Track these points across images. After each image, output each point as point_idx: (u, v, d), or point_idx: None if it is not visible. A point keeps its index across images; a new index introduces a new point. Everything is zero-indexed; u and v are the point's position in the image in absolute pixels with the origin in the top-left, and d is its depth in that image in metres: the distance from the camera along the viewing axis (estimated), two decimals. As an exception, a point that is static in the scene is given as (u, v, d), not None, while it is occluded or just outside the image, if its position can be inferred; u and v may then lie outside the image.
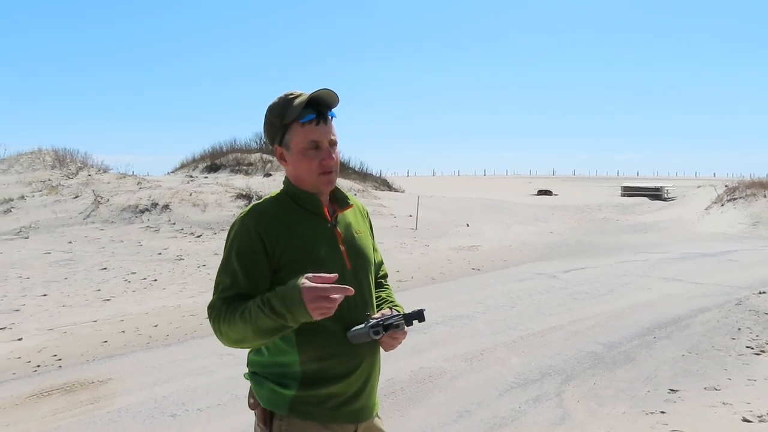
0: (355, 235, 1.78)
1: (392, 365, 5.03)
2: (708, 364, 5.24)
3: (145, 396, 4.40)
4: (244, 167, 22.01)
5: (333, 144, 1.69)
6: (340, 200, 1.79)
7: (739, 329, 6.34)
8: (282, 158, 1.73)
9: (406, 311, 1.72)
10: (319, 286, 1.41)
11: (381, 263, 2.00)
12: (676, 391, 4.56)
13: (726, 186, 24.80)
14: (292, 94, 1.67)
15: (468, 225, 16.19)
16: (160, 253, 10.02)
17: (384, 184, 25.81)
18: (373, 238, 1.93)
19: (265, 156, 23.06)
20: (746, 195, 21.63)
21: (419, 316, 1.67)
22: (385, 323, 1.62)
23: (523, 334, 6.08)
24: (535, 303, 7.55)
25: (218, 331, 1.58)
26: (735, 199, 21.74)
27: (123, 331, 6.12)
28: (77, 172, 16.22)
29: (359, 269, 1.73)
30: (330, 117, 1.70)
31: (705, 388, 4.61)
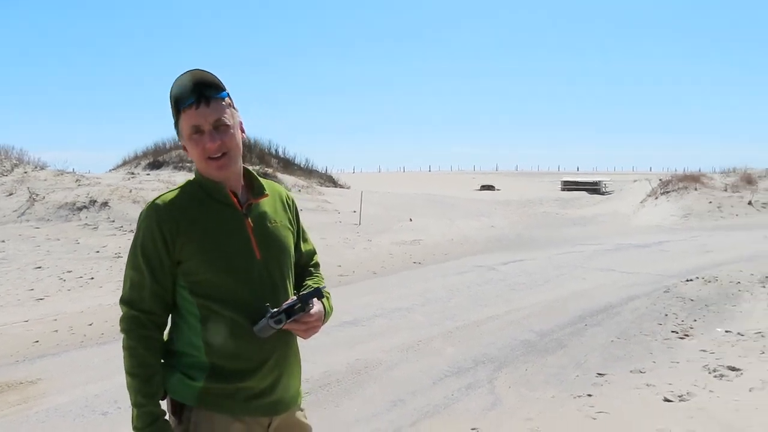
0: (270, 224, 1.73)
1: (329, 358, 5.05)
2: (635, 348, 5.48)
3: (76, 395, 4.28)
4: (188, 164, 21.47)
5: (219, 126, 1.61)
6: (254, 189, 1.76)
7: (666, 315, 6.64)
8: (185, 149, 1.70)
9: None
10: None
11: (311, 252, 1.96)
12: (604, 374, 4.75)
13: (660, 180, 25.78)
14: (179, 79, 1.63)
15: (411, 220, 16.29)
16: (98, 251, 9.70)
17: (329, 181, 25.69)
18: (298, 227, 1.88)
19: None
20: (678, 188, 22.53)
21: (317, 293, 1.65)
22: (286, 310, 1.60)
23: (459, 325, 6.21)
24: (473, 294, 7.69)
25: (124, 354, 1.63)
26: (668, 192, 22.60)
27: (56, 331, 5.91)
28: (12, 170, 15.47)
29: (270, 259, 1.69)
30: (216, 98, 1.62)
31: (631, 372, 4.81)
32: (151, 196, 13.57)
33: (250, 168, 1.79)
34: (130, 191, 13.70)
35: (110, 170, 23.33)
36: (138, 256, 1.62)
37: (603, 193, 29.67)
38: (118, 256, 9.48)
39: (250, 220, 1.70)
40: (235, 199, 1.69)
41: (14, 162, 16.51)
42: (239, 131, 1.70)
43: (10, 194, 12.83)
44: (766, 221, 16.31)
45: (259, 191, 1.76)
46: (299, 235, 1.89)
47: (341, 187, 24.86)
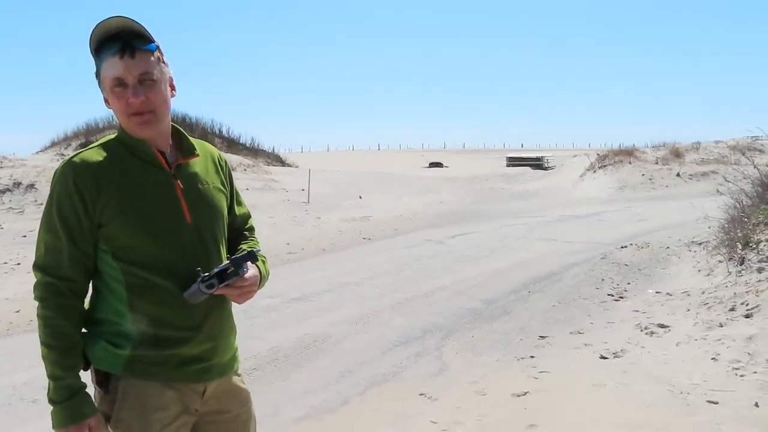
0: (201, 186, 1.62)
1: (276, 334, 4.98)
2: (574, 312, 5.64)
3: (2, 384, 4.04)
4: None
5: (145, 80, 1.47)
6: (184, 148, 1.63)
7: (603, 280, 6.87)
8: (106, 101, 1.54)
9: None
10: None
11: (246, 216, 1.86)
12: (545, 337, 4.87)
13: (597, 155, 26.62)
14: (103, 23, 1.48)
15: (361, 197, 16.26)
16: (24, 236, 9.20)
17: (277, 160, 25.25)
18: (231, 189, 1.78)
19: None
20: (614, 162, 23.33)
21: (251, 256, 1.57)
22: (218, 274, 1.51)
23: (408, 297, 6.23)
24: (422, 267, 7.74)
25: (39, 327, 1.51)
26: (605, 166, 23.37)
27: (-21, 319, 5.57)
28: (-75, 153, 14.47)
29: (202, 223, 1.58)
30: (143, 50, 1.47)
31: (570, 333, 4.96)
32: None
33: (179, 127, 1.65)
34: (60, 173, 13.04)
35: (37, 152, 22.18)
36: (54, 218, 1.47)
37: (545, 169, 30.41)
38: (48, 241, 9.05)
39: (179, 181, 1.57)
40: (163, 159, 1.57)
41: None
42: (168, 88, 1.56)
43: (-74, 179, 12.00)
44: (692, 191, 17.04)
45: (189, 151, 1.63)
46: (233, 197, 1.79)
47: (289, 166, 24.48)
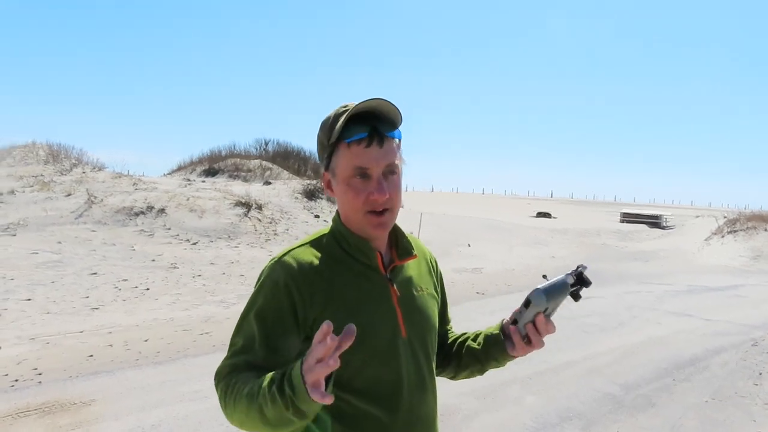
0: (416, 293, 1.40)
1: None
2: (734, 412, 4.92)
3: (132, 423, 4.03)
4: (243, 173, 21.65)
5: (390, 173, 1.29)
6: (402, 248, 1.41)
7: (761, 374, 6.03)
8: (329, 187, 1.36)
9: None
10: (314, 346, 0.99)
11: (449, 320, 1.64)
12: (706, 444, 4.23)
13: (725, 217, 24.66)
14: (346, 106, 1.30)
15: (469, 245, 15.88)
16: (153, 260, 9.63)
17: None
18: (443, 294, 1.56)
19: (264, 163, 22.71)
20: (747, 228, 21.45)
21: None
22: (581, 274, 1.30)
23: (536, 370, 5.75)
24: (545, 334, 7.22)
25: (224, 407, 1.18)
26: (735, 231, 21.54)
27: (110, 345, 5.74)
28: (71, 169, 15.82)
29: (415, 338, 1.35)
30: (390, 137, 1.28)
31: (736, 442, 4.29)
32: (208, 206, 13.78)
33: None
34: (188, 199, 13.73)
35: (166, 174, 23.74)
36: (251, 323, 1.25)
37: (664, 228, 28.56)
38: (174, 267, 9.40)
39: (395, 287, 1.36)
40: (380, 261, 1.35)
41: (73, 161, 16.92)
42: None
43: (69, 195, 13.04)
44: None
45: (406, 251, 1.41)
46: (444, 303, 1.57)
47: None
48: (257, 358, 1.21)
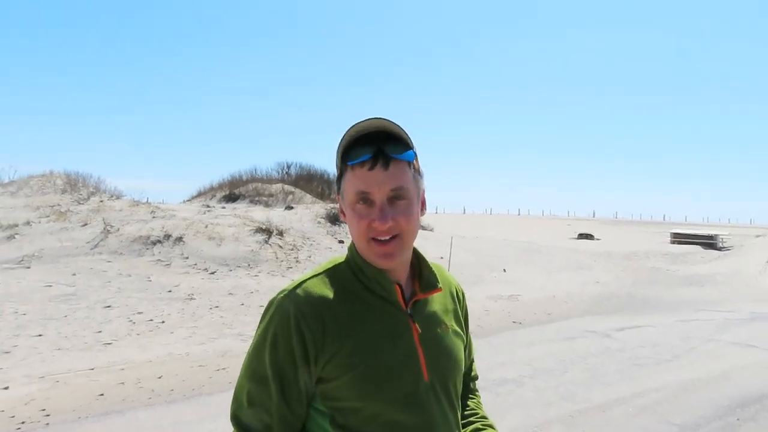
0: (440, 331, 1.32)
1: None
2: (810, 458, 4.64)
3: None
4: (264, 198, 21.86)
5: (397, 198, 1.22)
6: (425, 279, 1.34)
7: (839, 414, 5.69)
8: (342, 212, 1.31)
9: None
10: None
11: (472, 360, 1.57)
12: (778, 494, 3.98)
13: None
14: (357, 124, 1.25)
15: (505, 270, 15.65)
16: (170, 291, 9.69)
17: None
18: (467, 330, 1.48)
19: (286, 187, 22.89)
20: (815, 248, 20.74)
21: None
22: None
23: (580, 408, 5.53)
24: (590, 367, 6.98)
25: None
26: (802, 251, 20.84)
27: (122, 383, 5.72)
28: (88, 198, 16.17)
29: (438, 380, 1.27)
30: (398, 159, 1.22)
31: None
32: (227, 234, 13.89)
33: (419, 251, 1.37)
34: (206, 226, 13.86)
35: (185, 201, 24.12)
36: (265, 364, 1.21)
37: (720, 249, 27.78)
38: (191, 298, 9.42)
39: (417, 324, 1.28)
40: (400, 294, 1.28)
41: (91, 190, 17.29)
42: (419, 207, 1.29)
43: (85, 224, 13.28)
44: None
45: (430, 283, 1.34)
46: (468, 342, 1.49)
47: (424, 228, 24.48)
48: (270, 414, 1.21)
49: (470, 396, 1.54)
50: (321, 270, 1.30)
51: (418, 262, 1.35)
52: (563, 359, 7.30)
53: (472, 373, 1.59)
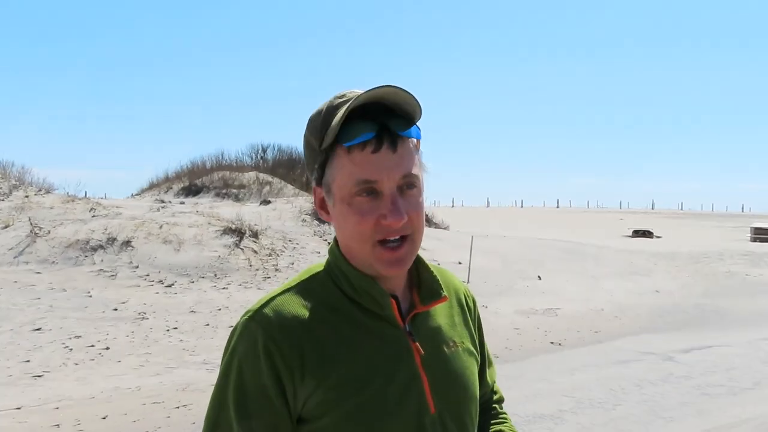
0: (447, 350, 1.33)
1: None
2: None
3: None
4: (234, 190, 21.97)
5: (408, 187, 1.22)
6: (426, 287, 1.34)
7: None
8: (323, 207, 1.30)
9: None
10: None
11: (494, 379, 1.59)
12: None
13: None
14: (343, 95, 1.23)
15: (540, 278, 15.77)
16: (115, 309, 9.78)
17: (424, 219, 25.47)
18: (482, 345, 1.50)
19: (261, 175, 23.01)
20: None
21: None
22: None
23: (637, 449, 5.60)
24: (648, 399, 7.10)
25: None
26: None
27: (57, 425, 5.82)
28: (10, 192, 16.26)
29: (447, 411, 1.28)
30: (405, 137, 1.22)
31: None
32: (188, 236, 13.99)
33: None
34: (161, 227, 13.97)
35: (134, 195, 24.23)
36: (231, 404, 1.21)
37: (814, 247, 27.83)
38: (143, 318, 9.49)
39: (418, 344, 1.28)
40: (396, 308, 1.28)
41: (14, 183, 17.35)
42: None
43: (6, 226, 13.39)
44: None
45: (432, 291, 1.33)
46: (484, 357, 1.51)
47: (438, 226, 24.56)
48: None
49: (497, 418, 1.55)
50: (295, 282, 1.31)
51: (416, 266, 1.34)
52: (614, 389, 7.39)
53: (496, 396, 1.59)
